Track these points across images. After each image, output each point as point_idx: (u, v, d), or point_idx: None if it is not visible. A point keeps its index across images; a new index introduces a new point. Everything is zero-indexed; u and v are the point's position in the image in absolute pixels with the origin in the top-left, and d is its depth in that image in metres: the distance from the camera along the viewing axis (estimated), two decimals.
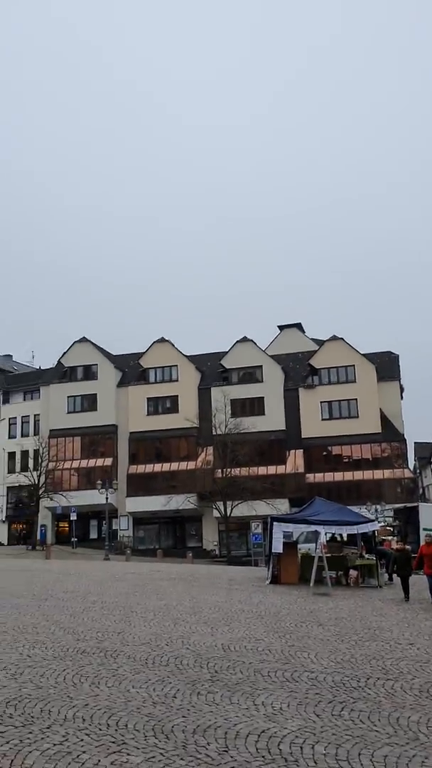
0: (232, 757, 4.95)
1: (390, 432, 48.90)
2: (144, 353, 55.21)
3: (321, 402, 50.38)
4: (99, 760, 4.73)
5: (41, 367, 64.15)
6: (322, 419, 50.06)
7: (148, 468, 51.63)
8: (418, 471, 63.20)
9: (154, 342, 55.02)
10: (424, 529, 24.18)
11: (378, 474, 47.72)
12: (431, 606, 14.70)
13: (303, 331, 61.58)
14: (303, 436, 49.63)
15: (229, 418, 48.05)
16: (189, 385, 53.27)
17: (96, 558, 38.67)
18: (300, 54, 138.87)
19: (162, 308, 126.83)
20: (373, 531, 20.89)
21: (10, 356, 68.40)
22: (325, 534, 20.26)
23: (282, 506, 44.21)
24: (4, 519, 56.30)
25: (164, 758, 4.85)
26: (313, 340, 58.37)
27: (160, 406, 53.45)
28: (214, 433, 48.10)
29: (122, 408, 53.54)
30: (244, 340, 53.46)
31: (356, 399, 49.46)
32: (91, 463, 52.45)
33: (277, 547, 19.24)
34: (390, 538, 28.58)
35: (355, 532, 20.33)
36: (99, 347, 56.78)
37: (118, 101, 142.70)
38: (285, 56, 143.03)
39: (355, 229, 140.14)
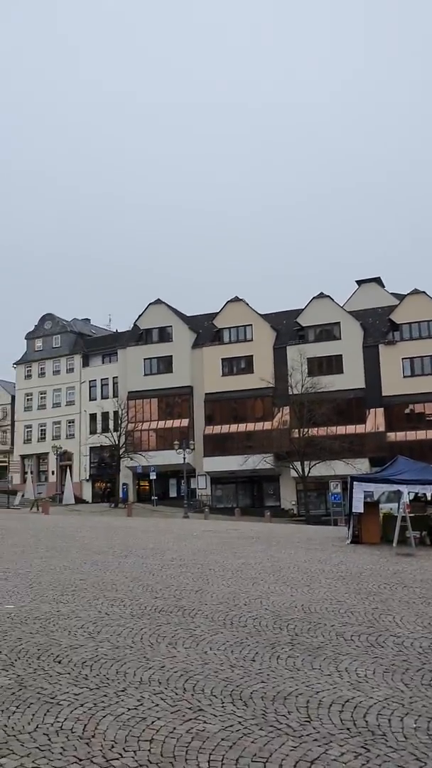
0: (314, 728, 4.63)
1: None
2: (218, 313, 54.85)
3: (402, 358, 48.74)
4: (174, 728, 4.51)
5: (118, 330, 65.05)
6: (404, 376, 48.50)
7: (224, 429, 51.76)
8: None
9: (228, 301, 54.52)
10: None
11: None
12: None
13: (383, 286, 59.29)
14: (383, 394, 48.30)
15: (305, 377, 47.25)
16: (264, 344, 52.65)
17: (175, 516, 39.31)
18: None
19: (235, 268, 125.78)
20: None
21: (88, 320, 69.68)
22: (408, 493, 19.56)
23: (362, 466, 43.38)
24: (87, 478, 58.16)
25: (242, 727, 4.58)
26: (393, 294, 56.15)
27: (235, 366, 53.22)
28: (290, 392, 47.48)
29: (197, 369, 53.65)
30: (321, 296, 52.11)
31: None
32: (168, 424, 53.07)
33: (358, 506, 18.73)
34: None
35: None
36: (173, 309, 56.84)
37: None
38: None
39: None
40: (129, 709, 4.85)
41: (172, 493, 52.99)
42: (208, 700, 5.11)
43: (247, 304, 53.98)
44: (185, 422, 52.80)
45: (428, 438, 46.23)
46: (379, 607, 9.17)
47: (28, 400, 63.58)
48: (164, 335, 55.81)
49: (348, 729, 4.65)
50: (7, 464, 57.36)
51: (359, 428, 47.98)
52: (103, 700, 5.03)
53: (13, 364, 65.56)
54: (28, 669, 5.81)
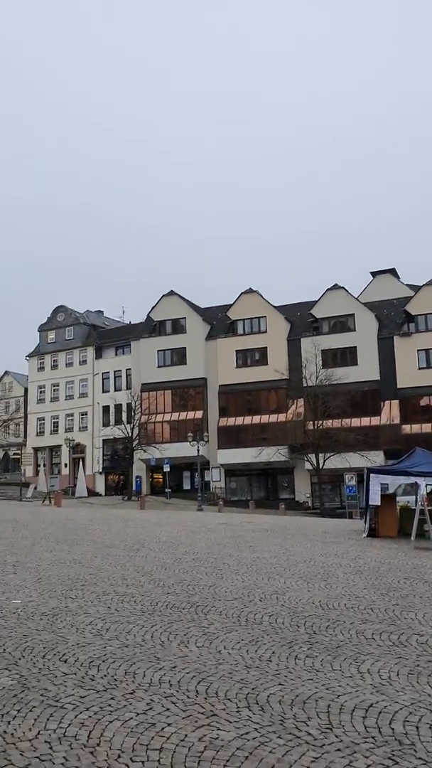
0: (337, 737, 4.29)
1: None
2: (232, 305, 54.46)
3: (418, 350, 48.12)
4: (186, 735, 4.19)
5: (131, 322, 64.83)
6: (419, 368, 47.87)
7: (239, 421, 51.44)
8: None
9: (242, 293, 54.09)
10: None
11: None
12: None
13: (398, 277, 58.50)
14: (398, 386, 47.73)
15: (320, 369, 46.79)
16: (278, 336, 52.22)
17: (189, 508, 39.07)
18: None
19: (249, 260, 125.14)
20: None
21: (101, 312, 69.51)
22: (426, 486, 19.14)
23: (377, 458, 42.91)
24: (101, 470, 58.11)
25: (259, 735, 4.26)
26: (408, 285, 55.39)
27: (249, 358, 52.84)
28: (304, 384, 47.03)
29: (211, 361, 53.32)
30: (335, 287, 51.54)
31: None
32: (182, 416, 52.85)
33: (375, 499, 18.36)
34: None
35: None
36: (187, 300, 56.51)
37: None
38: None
39: None
40: (137, 714, 4.53)
41: (186, 486, 52.78)
42: (222, 705, 4.79)
43: (261, 296, 53.53)
44: (199, 414, 52.53)
45: None
46: (400, 603, 8.81)
47: (41, 392, 63.61)
48: (178, 327, 55.50)
49: (373, 737, 4.31)
50: (20, 457, 57.38)
51: (374, 420, 47.46)
52: (110, 704, 4.72)
53: (26, 356, 65.62)
54: (32, 668, 5.51)
